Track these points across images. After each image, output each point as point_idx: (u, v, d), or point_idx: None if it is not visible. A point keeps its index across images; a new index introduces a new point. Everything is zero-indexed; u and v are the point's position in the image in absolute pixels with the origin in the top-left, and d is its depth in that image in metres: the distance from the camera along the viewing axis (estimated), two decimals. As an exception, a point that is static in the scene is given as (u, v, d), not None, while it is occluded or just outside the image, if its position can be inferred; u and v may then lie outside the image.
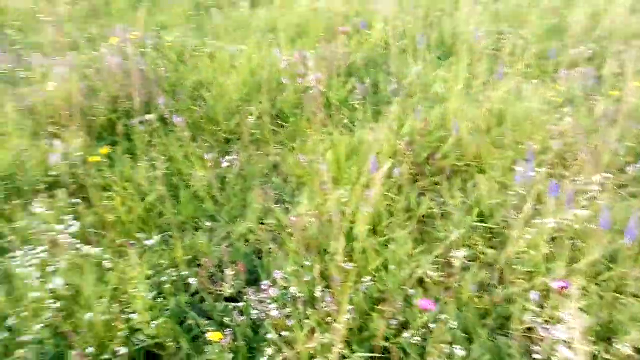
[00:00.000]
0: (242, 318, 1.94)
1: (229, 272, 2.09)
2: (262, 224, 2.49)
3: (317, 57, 3.38)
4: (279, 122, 3.18)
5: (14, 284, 2.02)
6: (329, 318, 1.83)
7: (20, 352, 1.79)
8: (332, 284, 1.93)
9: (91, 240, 2.21)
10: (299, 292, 1.94)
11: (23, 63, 3.52)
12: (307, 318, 1.85)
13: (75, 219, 2.24)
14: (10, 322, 1.86)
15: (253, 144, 3.07)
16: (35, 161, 2.61)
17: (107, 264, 2.07)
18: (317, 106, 3.04)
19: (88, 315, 1.83)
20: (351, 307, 1.82)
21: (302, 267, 2.07)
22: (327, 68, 3.24)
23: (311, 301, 1.94)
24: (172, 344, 1.94)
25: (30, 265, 2.02)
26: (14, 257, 2.14)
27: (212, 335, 1.77)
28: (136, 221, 2.42)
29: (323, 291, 1.91)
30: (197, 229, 2.47)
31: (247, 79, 3.34)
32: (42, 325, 1.84)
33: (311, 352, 1.74)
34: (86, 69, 3.33)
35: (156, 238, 2.23)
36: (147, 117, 2.91)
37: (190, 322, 1.99)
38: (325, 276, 2.03)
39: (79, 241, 2.10)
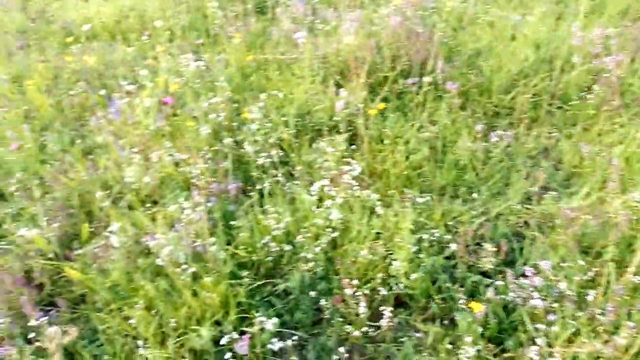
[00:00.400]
0: (497, 296, 1.91)
1: (489, 247, 2.06)
2: (526, 207, 2.38)
3: (621, 37, 2.95)
4: (559, 104, 2.92)
5: (297, 207, 2.34)
6: (601, 327, 1.67)
7: (301, 266, 2.09)
8: (610, 293, 1.74)
9: (362, 184, 2.40)
10: (568, 290, 1.81)
11: (319, 15, 3.92)
12: (574, 319, 1.72)
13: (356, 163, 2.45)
14: (295, 239, 2.17)
15: (524, 121, 2.90)
16: (322, 105, 2.92)
17: (378, 210, 2.22)
18: (612, 92, 2.69)
19: (363, 252, 2.01)
20: (631, 323, 1.62)
21: (574, 264, 1.91)
22: (633, 50, 2.81)
23: (580, 303, 1.79)
24: (423, 299, 2.03)
25: (313, 194, 2.32)
26: (298, 184, 2.48)
27: (473, 304, 1.78)
28: (400, 176, 2.54)
29: (596, 297, 1.74)
30: (454, 197, 2.48)
31: (530, 52, 3.13)
32: (318, 248, 2.11)
33: (575, 355, 1.62)
34: (372, 26, 3.54)
35: (426, 197, 2.31)
36: (425, 79, 2.97)
37: (441, 284, 2.06)
38: (598, 281, 1.84)
39: (356, 183, 2.31)
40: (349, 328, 1.94)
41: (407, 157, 2.63)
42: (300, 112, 2.94)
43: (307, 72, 3.14)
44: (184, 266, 1.99)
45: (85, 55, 3.54)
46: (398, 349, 1.90)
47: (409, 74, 3.21)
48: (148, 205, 2.48)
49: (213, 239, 2.03)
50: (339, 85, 3.18)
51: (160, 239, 2.08)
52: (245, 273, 2.05)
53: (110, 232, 2.28)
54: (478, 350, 1.74)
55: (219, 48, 3.75)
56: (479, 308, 1.76)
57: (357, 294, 1.96)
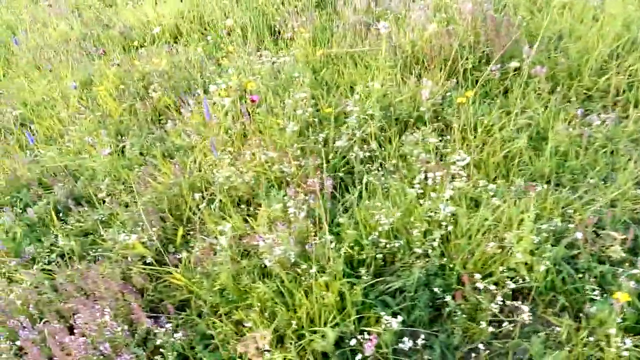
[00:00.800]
0: (633, 286, 1.79)
1: (617, 235, 1.94)
2: (641, 192, 2.25)
3: None
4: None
5: (396, 201, 2.25)
6: None
7: (415, 262, 2.00)
8: None
9: (461, 175, 2.30)
10: None
11: (383, 6, 3.82)
12: None
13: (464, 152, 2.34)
14: (401, 234, 2.09)
15: (619, 104, 2.75)
16: (404, 96, 2.83)
17: (494, 201, 2.12)
18: None
19: (491, 244, 1.92)
20: None
21: None
22: None
23: None
24: (548, 291, 1.93)
25: (416, 188, 2.22)
26: (395, 178, 2.39)
27: (619, 295, 1.66)
28: (500, 165, 2.43)
29: None
30: (558, 185, 2.36)
31: (620, 33, 2.97)
32: (435, 242, 2.01)
33: None
34: (442, 13, 3.43)
35: (546, 186, 2.21)
36: (512, 64, 2.85)
37: (565, 275, 1.95)
38: None
39: (465, 174, 2.21)
40: (473, 325, 1.85)
41: (501, 146, 2.52)
42: (383, 105, 2.84)
43: (385, 63, 3.04)
44: (304, 266, 1.92)
45: (153, 58, 3.52)
46: (529, 343, 1.80)
47: (489, 60, 3.09)
48: (242, 206, 2.44)
49: (329, 237, 1.96)
50: (419, 75, 3.08)
51: (268, 239, 2.02)
52: (362, 271, 1.97)
53: (208, 234, 2.24)
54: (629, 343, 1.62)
55: (282, 44, 3.70)
56: (625, 298, 1.65)
57: (480, 288, 1.87)
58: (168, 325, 1.88)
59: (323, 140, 2.62)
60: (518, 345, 1.82)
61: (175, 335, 1.84)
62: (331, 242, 1.95)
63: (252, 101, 2.64)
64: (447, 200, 2.10)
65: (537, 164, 2.43)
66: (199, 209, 2.41)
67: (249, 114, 2.67)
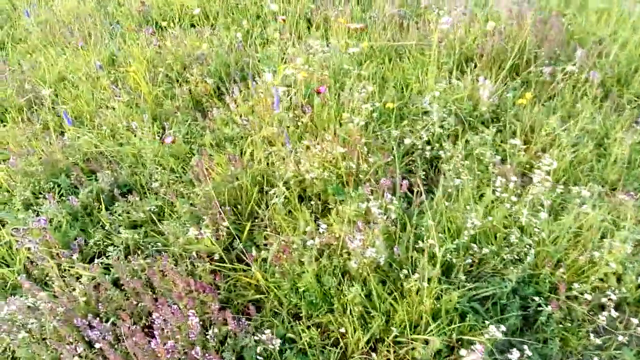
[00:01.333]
0: None
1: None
2: None
3: None
4: None
5: (469, 204, 2.21)
6: None
7: (507, 269, 1.97)
8: None
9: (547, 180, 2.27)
10: None
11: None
12: None
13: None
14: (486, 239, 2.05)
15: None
16: (460, 95, 2.78)
17: (584, 208, 2.10)
18: None
19: (596, 253, 1.89)
20: None
21: None
22: None
23: None
24: (637, 303, 1.93)
25: (497, 192, 2.19)
26: (471, 180, 2.34)
27: None
28: (565, 171, 2.43)
29: None
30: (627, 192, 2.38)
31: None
32: (532, 250, 1.98)
33: None
34: (483, 10, 3.41)
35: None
36: (568, 67, 2.84)
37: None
38: None
39: (550, 179, 2.18)
40: (566, 334, 1.83)
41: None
42: (441, 104, 2.78)
43: (438, 60, 2.98)
44: (404, 270, 1.85)
45: (185, 40, 3.33)
46: (623, 355, 1.80)
47: (535, 61, 3.08)
48: (307, 202, 2.34)
49: (433, 241, 1.89)
50: (471, 74, 3.03)
51: (356, 240, 1.94)
52: (460, 277, 1.91)
53: (279, 231, 2.14)
54: None
55: (317, 34, 3.57)
56: None
57: (576, 297, 1.85)
58: (250, 328, 1.78)
59: (395, 138, 2.52)
60: (612, 358, 1.82)
61: (274, 341, 1.74)
62: (430, 246, 1.88)
63: (318, 92, 2.52)
64: (542, 206, 2.07)
65: (604, 170, 2.44)
66: (266, 205, 2.29)
67: (310, 106, 2.56)
